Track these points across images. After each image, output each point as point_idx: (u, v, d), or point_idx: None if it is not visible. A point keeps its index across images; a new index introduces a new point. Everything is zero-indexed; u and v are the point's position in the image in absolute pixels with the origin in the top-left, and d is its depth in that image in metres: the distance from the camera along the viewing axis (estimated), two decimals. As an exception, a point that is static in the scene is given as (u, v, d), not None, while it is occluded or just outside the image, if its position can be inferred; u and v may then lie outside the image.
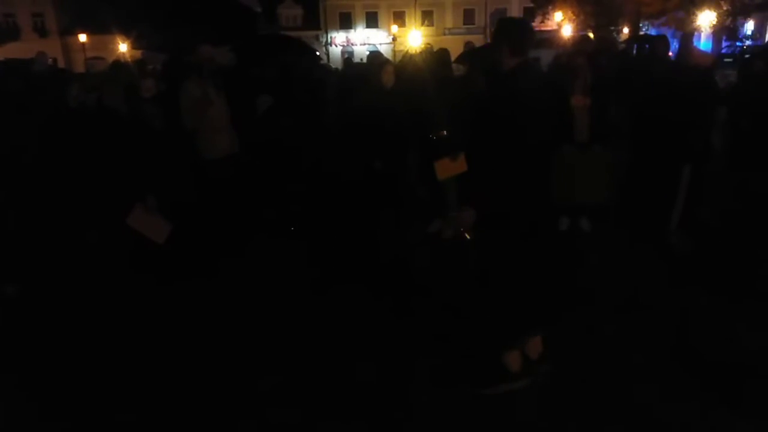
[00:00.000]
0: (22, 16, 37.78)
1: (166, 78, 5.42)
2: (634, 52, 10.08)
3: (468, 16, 43.23)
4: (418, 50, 13.07)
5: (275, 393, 3.17)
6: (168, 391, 3.22)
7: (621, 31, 28.04)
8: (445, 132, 5.19)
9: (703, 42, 26.97)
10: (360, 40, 42.15)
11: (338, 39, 42.46)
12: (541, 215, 3.10)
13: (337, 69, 14.92)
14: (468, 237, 3.01)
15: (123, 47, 29.65)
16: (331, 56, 38.79)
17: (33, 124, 4.60)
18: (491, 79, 3.22)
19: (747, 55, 13.46)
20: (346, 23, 42.72)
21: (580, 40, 6.65)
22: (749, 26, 30.53)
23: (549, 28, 30.16)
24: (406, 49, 19.38)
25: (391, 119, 5.08)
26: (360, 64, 12.43)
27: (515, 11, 41.61)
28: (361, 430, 2.89)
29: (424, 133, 5.31)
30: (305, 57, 9.21)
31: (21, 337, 3.90)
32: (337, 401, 3.09)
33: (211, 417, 3.00)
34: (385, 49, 35.83)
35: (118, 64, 6.18)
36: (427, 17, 42.85)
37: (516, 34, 3.00)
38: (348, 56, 22.80)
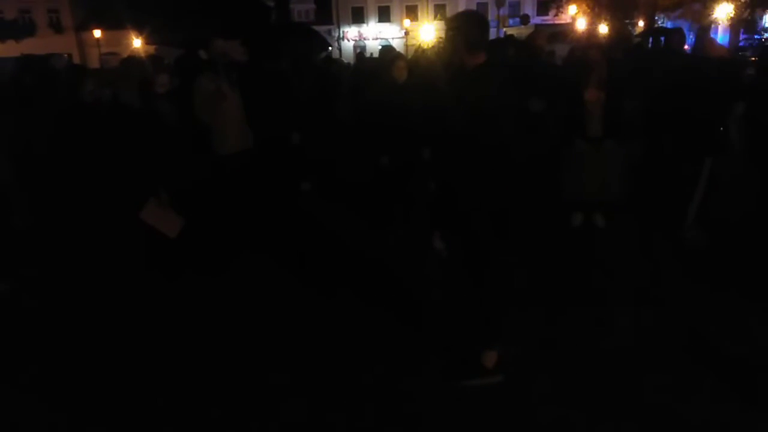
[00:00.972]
0: (37, 12, 38.15)
1: (179, 73, 5.45)
2: (650, 45, 9.98)
3: (481, 10, 42.78)
4: (431, 45, 13.03)
5: (284, 388, 3.18)
6: (178, 386, 3.25)
7: (636, 24, 27.69)
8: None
9: (720, 35, 26.56)
10: (372, 35, 42.06)
11: (350, 33, 42.39)
12: (511, 214, 3.09)
13: (349, 64, 14.92)
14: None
15: (137, 42, 29.81)
16: (343, 51, 38.76)
17: (46, 118, 4.65)
18: (451, 78, 3.14)
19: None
20: (359, 18, 42.62)
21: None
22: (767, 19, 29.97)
23: (563, 22, 29.90)
24: (418, 44, 19.29)
25: (403, 114, 5.07)
26: (372, 59, 12.42)
27: (529, 5, 41.28)
28: (369, 422, 2.90)
29: (436, 128, 5.28)
30: (315, 43, 9.17)
31: (32, 332, 3.94)
32: (345, 395, 3.11)
33: (220, 412, 3.02)
34: (397, 44, 35.73)
35: (132, 60, 6.21)
36: (439, 11, 42.58)
37: (473, 29, 2.89)
38: (360, 51, 22.70)
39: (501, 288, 3.15)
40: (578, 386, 3.08)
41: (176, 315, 4.03)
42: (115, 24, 33.20)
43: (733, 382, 3.09)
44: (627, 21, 26.02)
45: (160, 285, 4.40)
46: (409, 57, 8.36)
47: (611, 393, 3.01)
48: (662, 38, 7.70)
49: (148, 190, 4.20)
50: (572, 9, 29.47)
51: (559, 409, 2.92)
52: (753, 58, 12.61)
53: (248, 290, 4.39)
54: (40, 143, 4.85)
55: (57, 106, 5.15)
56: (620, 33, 7.42)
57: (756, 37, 26.93)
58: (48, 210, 4.79)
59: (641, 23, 26.92)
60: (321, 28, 37.20)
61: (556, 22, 31.81)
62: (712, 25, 23.92)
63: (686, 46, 6.93)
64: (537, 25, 31.53)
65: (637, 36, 14.29)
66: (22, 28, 36.91)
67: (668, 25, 25.25)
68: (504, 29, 35.03)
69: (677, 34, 6.60)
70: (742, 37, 26.29)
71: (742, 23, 26.13)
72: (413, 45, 29.93)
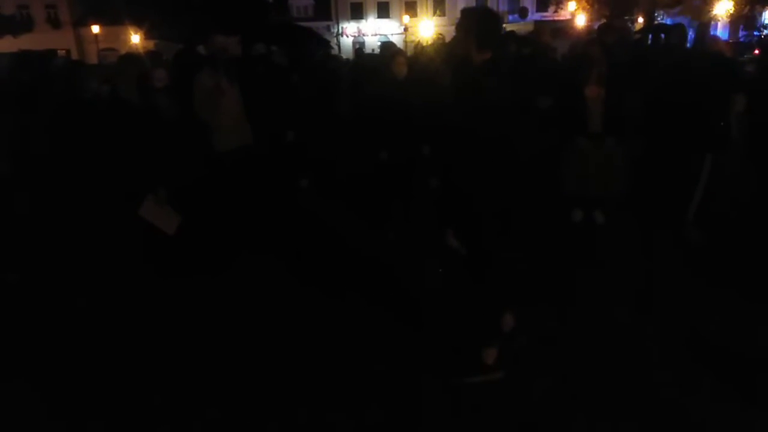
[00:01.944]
0: (35, 7, 38.00)
1: (178, 68, 5.42)
2: (650, 41, 9.94)
3: (480, 5, 42.87)
4: (429, 41, 12.98)
5: (283, 388, 3.17)
6: (176, 384, 3.23)
7: (636, 20, 27.66)
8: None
9: (720, 31, 26.54)
10: (371, 31, 41.97)
11: (349, 30, 42.30)
12: (513, 209, 3.08)
13: (348, 60, 14.89)
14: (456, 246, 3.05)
15: (136, 38, 29.74)
16: (342, 47, 38.68)
17: (43, 115, 4.64)
18: (457, 74, 3.09)
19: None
20: (358, 14, 42.52)
21: (602, 29, 6.54)
22: (767, 15, 29.94)
23: (563, 18, 29.87)
24: (417, 40, 19.24)
25: (403, 110, 5.05)
26: (371, 55, 12.41)
27: (529, 1, 41.20)
28: (370, 422, 2.89)
29: (437, 124, 5.26)
30: (317, 47, 9.20)
31: (29, 328, 3.92)
32: (345, 394, 3.10)
33: (219, 412, 3.01)
34: (396, 40, 35.61)
35: (130, 56, 6.20)
36: (438, 7, 42.53)
37: (482, 25, 2.87)
38: (359, 47, 22.68)
39: (502, 286, 3.14)
40: (579, 384, 3.07)
41: (175, 313, 4.01)
42: (113, 19, 33.13)
43: (733, 380, 3.07)
44: (626, 18, 25.99)
45: (157, 282, 4.38)
46: (409, 53, 8.34)
47: (611, 391, 3.00)
48: (662, 35, 7.69)
49: (146, 187, 4.19)
50: (572, 5, 29.43)
51: (560, 406, 2.92)
52: (756, 51, 12.58)
53: (247, 288, 4.37)
54: (38, 140, 4.83)
55: (55, 102, 5.14)
56: (620, 29, 7.41)
57: (755, 33, 26.91)
58: (47, 205, 4.77)
59: (641, 20, 26.91)
60: (320, 24, 37.26)
61: (556, 18, 31.76)
62: (712, 22, 23.89)
63: (687, 43, 6.90)
64: (536, 22, 31.48)
65: (637, 32, 14.25)
66: (19, 24, 36.76)
67: (668, 21, 25.19)
68: (504, 25, 34.91)
69: (677, 31, 6.58)
70: (741, 33, 26.29)
71: (742, 19, 26.14)
72: (412, 41, 29.88)
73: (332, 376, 3.24)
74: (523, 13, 33.43)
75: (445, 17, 42.04)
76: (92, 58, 32.72)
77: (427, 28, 36.03)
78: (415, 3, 42.30)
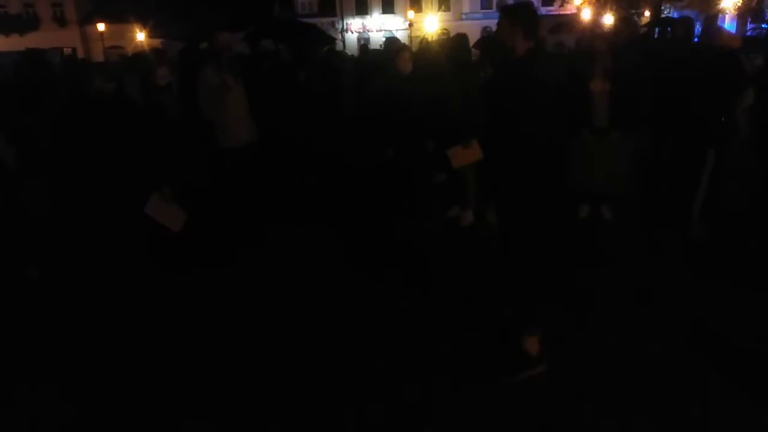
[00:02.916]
0: (41, 5, 38.12)
1: (181, 66, 5.42)
2: (656, 35, 9.87)
3: (485, 1, 42.66)
4: (434, 36, 12.92)
5: (288, 384, 3.18)
6: (176, 381, 3.25)
7: (642, 14, 27.46)
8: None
9: (728, 24, 26.33)
10: (376, 27, 41.87)
11: (354, 25, 42.21)
12: (555, 200, 3.07)
13: (353, 56, 14.84)
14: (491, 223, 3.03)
15: (141, 36, 29.79)
16: (347, 43, 38.62)
17: (48, 113, 4.65)
18: (505, 66, 3.12)
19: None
20: (362, 9, 42.42)
21: (608, 24, 6.50)
22: (775, 8, 29.65)
23: (568, 12, 29.70)
24: (422, 35, 19.16)
25: (408, 106, 5.04)
26: (376, 51, 12.35)
27: (534, -5, 40.97)
28: (379, 416, 2.90)
29: (441, 119, 5.25)
30: (322, 43, 9.19)
31: (35, 324, 3.96)
32: (355, 389, 3.10)
33: (220, 408, 3.03)
34: (401, 35, 35.54)
35: (137, 54, 6.21)
36: (443, 2, 42.35)
37: (527, 16, 2.96)
38: (364, 43, 22.58)
39: (541, 269, 3.12)
40: (585, 380, 3.06)
41: (177, 309, 4.04)
42: (119, 17, 33.17)
43: (739, 376, 3.07)
44: (633, 11, 25.81)
45: (163, 278, 4.40)
46: (414, 49, 8.31)
47: (619, 389, 3.00)
48: (669, 28, 7.62)
49: (152, 184, 4.20)
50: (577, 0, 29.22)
51: (566, 403, 2.91)
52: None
53: (251, 285, 4.39)
54: (44, 137, 4.85)
55: (60, 100, 5.15)
56: (627, 23, 7.36)
57: (764, 26, 26.67)
58: (54, 203, 4.80)
59: (647, 13, 26.70)
60: (324, 20, 37.22)
61: (561, 12, 31.56)
62: (719, 15, 23.70)
63: (695, 37, 6.84)
64: (542, 16, 31.25)
65: (643, 26, 14.18)
66: (25, 22, 36.91)
67: (674, 15, 25.01)
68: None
69: (684, 24, 6.51)
70: (749, 26, 26.04)
71: (750, 12, 25.90)
72: (417, 36, 29.77)
73: (339, 373, 3.25)
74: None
75: (450, 12, 41.90)
76: (98, 56, 32.77)
77: (432, 24, 35.90)
78: (420, -2, 42.16)
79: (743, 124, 5.00)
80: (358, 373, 3.24)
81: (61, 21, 38.51)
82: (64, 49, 33.08)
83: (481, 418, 2.85)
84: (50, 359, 3.52)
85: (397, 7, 42.30)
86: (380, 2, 42.36)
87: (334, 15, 41.77)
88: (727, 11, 25.35)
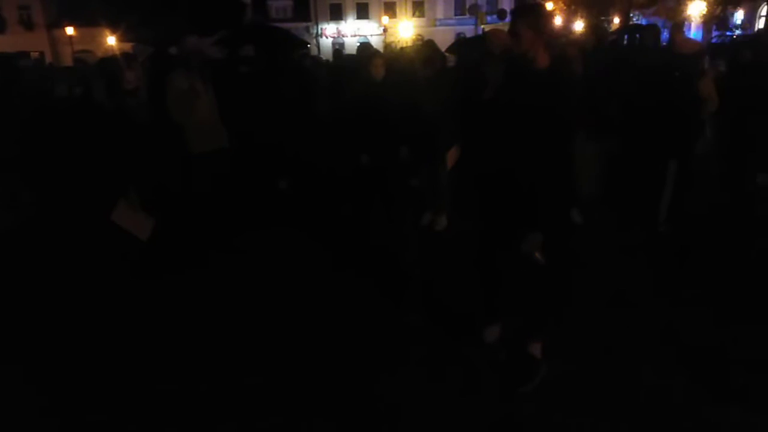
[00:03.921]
0: (7, 8, 37.24)
1: (151, 70, 5.35)
2: (625, 42, 10.08)
3: (459, 7, 43.06)
4: (406, 42, 12.93)
5: (263, 391, 3.15)
6: (152, 388, 3.19)
7: (612, 21, 28.04)
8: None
9: (694, 32, 27.03)
10: (351, 32, 41.94)
11: (329, 30, 42.21)
12: (566, 205, 3.08)
13: (327, 61, 14.83)
14: (540, 258, 2.89)
15: (111, 40, 29.30)
16: (321, 48, 38.59)
17: (14, 117, 4.55)
18: (525, 77, 2.85)
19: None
20: (337, 14, 42.46)
21: (593, 30, 6.61)
22: (739, 16, 30.57)
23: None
24: (391, 41, 19.22)
25: (381, 111, 5.05)
26: (351, 56, 12.36)
27: (507, 1, 41.49)
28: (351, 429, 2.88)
29: (415, 124, 5.27)
30: (296, 48, 9.17)
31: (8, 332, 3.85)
32: (326, 400, 3.08)
33: (196, 414, 2.98)
34: (376, 41, 35.66)
35: (106, 58, 6.10)
36: (417, 8, 42.65)
37: (547, 23, 2.81)
38: (338, 48, 22.57)
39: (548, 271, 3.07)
40: (567, 386, 3.07)
41: (147, 315, 3.96)
42: (88, 21, 32.60)
43: (708, 377, 3.13)
44: (603, 18, 26.33)
45: (133, 283, 4.32)
46: (387, 54, 8.34)
47: (588, 388, 3.03)
48: (637, 35, 7.80)
49: (118, 191, 4.11)
50: (549, 6, 29.68)
51: (546, 408, 2.93)
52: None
53: (224, 290, 4.33)
54: (10, 143, 4.74)
55: (26, 105, 5.04)
56: (596, 30, 7.49)
57: (728, 33, 27.45)
58: (21, 208, 4.69)
59: (617, 20, 27.27)
60: (299, 25, 37.11)
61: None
62: (686, 22, 24.31)
63: (662, 43, 7.01)
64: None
65: (613, 33, 14.45)
66: (-9, 26, 36.08)
67: (643, 22, 25.57)
68: (482, 26, 35.16)
69: (652, 31, 6.67)
70: (714, 33, 26.77)
71: (714, 20, 26.63)
72: (392, 42, 29.91)
73: (313, 379, 3.22)
74: (501, 14, 33.68)
75: (424, 18, 42.21)
76: (67, 60, 32.16)
77: (406, 29, 36.11)
78: (394, 4, 42.36)
79: (707, 129, 5.12)
80: (335, 378, 3.22)
81: (28, 24, 37.70)
82: (31, 53, 32.34)
83: (451, 417, 2.85)
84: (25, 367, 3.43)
85: (372, 12, 42.45)
86: (355, 8, 42.46)
87: (309, 20, 41.72)
88: (693, 19, 26.01)
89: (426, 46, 6.00)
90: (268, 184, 6.59)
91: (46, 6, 37.53)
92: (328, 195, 6.50)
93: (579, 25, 24.39)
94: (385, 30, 39.68)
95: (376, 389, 3.10)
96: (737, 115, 5.23)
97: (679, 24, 7.48)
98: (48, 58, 33.28)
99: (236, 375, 3.28)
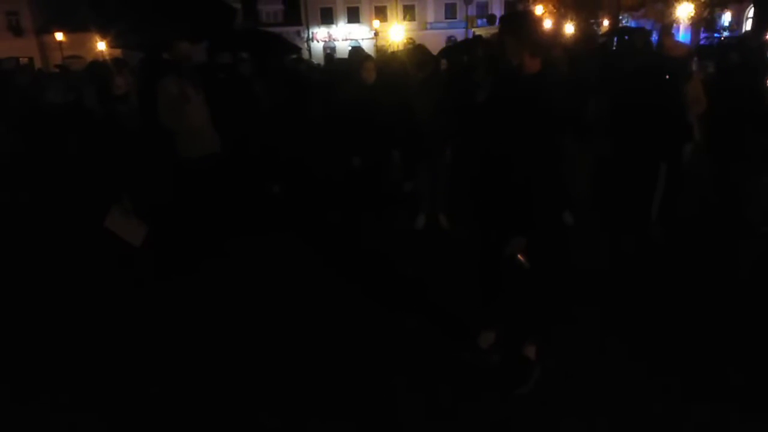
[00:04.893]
0: (-4, 14, 37.04)
1: (141, 76, 5.33)
2: (615, 44, 10.16)
3: (449, 11, 43.24)
4: (398, 46, 12.98)
5: (257, 395, 3.14)
6: (146, 391, 3.18)
7: (601, 23, 28.24)
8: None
9: (682, 34, 27.24)
10: (342, 36, 42.00)
11: (320, 34, 42.24)
12: (559, 209, 3.09)
13: (319, 65, 14.85)
14: (524, 261, 2.90)
15: (101, 45, 29.17)
16: (312, 52, 38.60)
17: (5, 123, 4.52)
18: (512, 85, 2.90)
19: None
20: (328, 18, 42.51)
21: (568, 34, 6.67)
22: (727, 17, 30.86)
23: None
24: (382, 45, 19.25)
25: (372, 114, 5.07)
26: (342, 60, 12.38)
27: (497, 5, 41.71)
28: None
29: (407, 127, 5.29)
30: (287, 52, 9.17)
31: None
32: (326, 402, 3.08)
33: (196, 420, 2.97)
34: (367, 45, 35.74)
35: (96, 64, 6.08)
36: (408, 12, 42.77)
37: (535, 31, 2.78)
38: (330, 52, 22.57)
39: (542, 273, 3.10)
40: (562, 387, 3.09)
41: (142, 319, 3.94)
42: (78, 27, 32.41)
43: (702, 377, 3.15)
44: (592, 21, 26.51)
45: (131, 288, 4.30)
46: (379, 58, 8.36)
47: (577, 389, 3.05)
48: (626, 37, 7.86)
49: (111, 197, 4.10)
50: (539, 9, 29.88)
51: (542, 409, 2.94)
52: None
53: (219, 295, 4.32)
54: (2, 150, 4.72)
55: (16, 111, 5.01)
56: (586, 32, 7.53)
57: (716, 35, 27.70)
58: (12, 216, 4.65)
59: (606, 23, 27.47)
60: (290, 29, 37.10)
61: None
62: (674, 24, 24.51)
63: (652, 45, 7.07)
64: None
65: (602, 35, 14.56)
66: (-21, 32, 35.80)
67: (632, 24, 25.79)
68: (472, 30, 35.31)
69: (641, 34, 6.73)
70: (702, 35, 27.01)
71: (703, 22, 26.86)
72: (383, 45, 29.96)
73: (310, 384, 3.22)
74: (491, 19, 33.88)
75: (415, 22, 42.33)
76: (60, 66, 31.92)
77: (397, 33, 36.17)
78: (384, 8, 42.46)
79: (697, 132, 5.16)
80: (331, 383, 3.21)
81: (16, 30, 37.45)
82: (20, 58, 32.11)
83: (448, 421, 2.86)
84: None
85: (363, 16, 42.54)
86: (345, 11, 42.53)
87: (300, 24, 41.74)
88: (681, 21, 26.24)
89: (417, 50, 6.02)
90: (260, 189, 6.58)
91: (35, 12, 37.31)
92: (321, 198, 6.50)
93: (569, 29, 24.54)
94: (376, 34, 39.75)
95: (372, 393, 3.10)
96: (725, 116, 5.27)
97: (668, 26, 7.54)
98: (37, 64, 33.06)
99: (231, 379, 3.27)
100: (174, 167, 4.75)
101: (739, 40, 10.63)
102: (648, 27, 17.70)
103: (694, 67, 5.92)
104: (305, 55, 30.77)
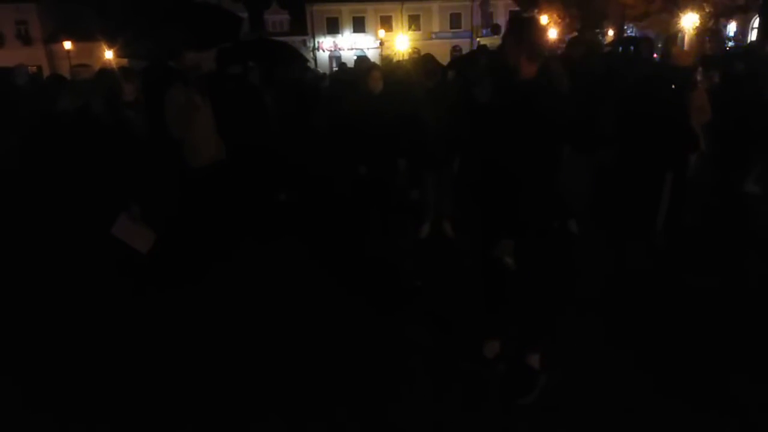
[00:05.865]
0: (5, 23, 37.37)
1: (147, 84, 5.36)
2: (620, 53, 10.13)
3: (455, 21, 43.46)
4: (403, 55, 13.01)
5: (261, 401, 3.14)
6: (146, 394, 3.20)
7: (606, 33, 28.29)
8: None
9: (686, 44, 27.25)
10: (347, 45, 42.21)
11: (325, 44, 42.48)
12: (553, 218, 3.10)
13: (324, 74, 14.92)
14: (510, 263, 2.93)
15: (109, 54, 29.46)
16: (318, 61, 38.79)
17: (13, 131, 4.55)
18: (509, 88, 2.93)
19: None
20: (333, 28, 42.76)
21: (570, 43, 6.68)
22: (732, 28, 30.89)
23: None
24: (387, 54, 19.29)
25: (378, 124, 5.08)
26: (351, 69, 12.43)
27: (501, 15, 41.87)
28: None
29: (414, 136, 5.31)
30: (294, 61, 9.23)
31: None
32: (330, 410, 3.07)
33: (192, 427, 2.97)
34: (372, 54, 35.88)
35: (104, 71, 6.11)
36: (413, 22, 43.00)
37: (533, 35, 2.83)
38: (343, 62, 22.65)
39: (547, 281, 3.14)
40: (566, 396, 3.08)
41: (146, 325, 3.96)
42: (85, 36, 32.71)
43: (708, 386, 3.13)
44: (597, 30, 26.54)
45: (138, 297, 4.31)
46: (384, 67, 8.40)
47: (597, 401, 3.04)
48: (631, 47, 7.87)
49: (119, 205, 4.12)
50: (543, 19, 29.95)
51: (547, 419, 2.93)
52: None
53: (224, 302, 4.33)
54: (9, 156, 4.74)
55: (25, 119, 5.05)
56: (590, 42, 7.54)
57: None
58: (19, 224, 4.67)
59: (611, 32, 27.51)
60: (295, 39, 37.29)
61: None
62: (679, 34, 24.53)
63: (655, 55, 7.08)
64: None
65: (607, 45, 14.57)
66: (-12, 40, 36.18)
67: (638, 34, 25.81)
68: (477, 39, 35.46)
69: (646, 43, 6.75)
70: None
71: (707, 32, 26.84)
72: (388, 55, 30.05)
73: (311, 391, 3.22)
74: (495, 29, 34.04)
75: (420, 31, 42.53)
76: (64, 75, 32.20)
77: (402, 43, 36.37)
78: (390, 17, 42.70)
79: (703, 140, 5.16)
80: (334, 391, 3.21)
81: (25, 39, 37.80)
82: (29, 67, 32.39)
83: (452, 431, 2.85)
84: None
85: (368, 26, 42.78)
86: (351, 21, 42.78)
87: (306, 33, 41.99)
88: (686, 31, 26.27)
89: (425, 59, 6.06)
90: (267, 197, 6.60)
91: (44, 21, 37.68)
92: (328, 207, 6.51)
93: (572, 37, 24.57)
94: (381, 43, 39.94)
95: (375, 402, 3.10)
96: (730, 126, 5.27)
97: (673, 36, 7.56)
98: (45, 73, 33.32)
99: (237, 383, 3.28)
100: (181, 175, 4.78)
101: (745, 50, 10.62)
102: (652, 37, 17.74)
103: (698, 76, 5.93)
104: (311, 64, 30.90)
